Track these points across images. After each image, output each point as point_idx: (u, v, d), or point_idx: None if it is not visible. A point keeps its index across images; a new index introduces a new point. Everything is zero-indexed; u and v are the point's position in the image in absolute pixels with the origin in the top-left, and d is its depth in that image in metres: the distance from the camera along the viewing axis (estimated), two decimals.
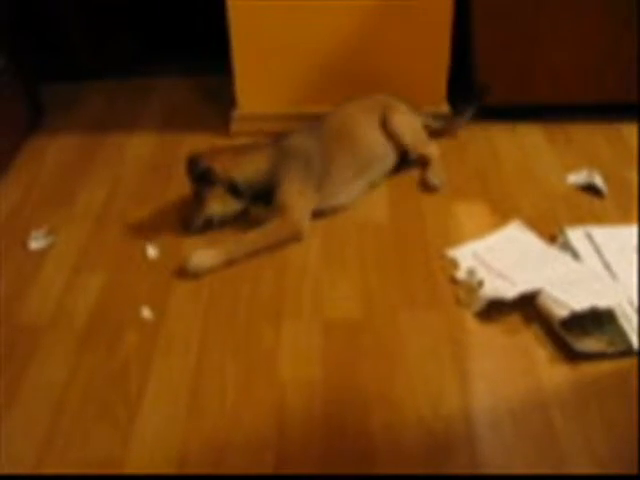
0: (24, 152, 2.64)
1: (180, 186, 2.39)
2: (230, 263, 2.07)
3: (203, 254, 2.06)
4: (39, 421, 1.64)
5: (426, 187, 2.35)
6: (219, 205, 2.20)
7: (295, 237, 2.16)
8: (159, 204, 2.33)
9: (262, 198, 2.21)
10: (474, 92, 2.62)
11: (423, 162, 2.45)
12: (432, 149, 2.47)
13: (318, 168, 2.24)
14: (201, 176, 2.17)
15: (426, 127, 2.53)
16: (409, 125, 2.45)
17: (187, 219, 2.21)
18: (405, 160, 2.45)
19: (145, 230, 2.22)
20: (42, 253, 2.15)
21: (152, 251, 2.12)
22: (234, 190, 2.19)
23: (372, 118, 2.41)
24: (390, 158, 2.41)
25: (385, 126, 2.40)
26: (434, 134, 2.56)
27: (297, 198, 2.18)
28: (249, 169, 2.20)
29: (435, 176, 2.37)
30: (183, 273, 2.05)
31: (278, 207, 2.17)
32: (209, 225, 2.21)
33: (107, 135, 2.73)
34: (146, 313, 1.91)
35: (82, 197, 2.39)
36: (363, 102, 2.45)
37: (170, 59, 3.18)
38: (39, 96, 2.86)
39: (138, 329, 1.87)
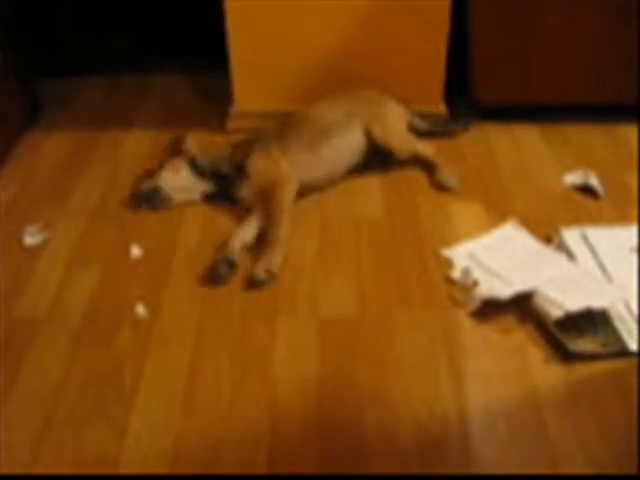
0: (20, 147, 2.63)
1: None
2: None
3: (269, 263, 2.01)
4: (34, 417, 1.64)
5: (442, 189, 2.34)
6: (170, 176, 2.28)
7: (290, 185, 2.21)
8: None
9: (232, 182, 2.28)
10: (466, 114, 2.64)
11: (421, 163, 2.44)
12: (428, 151, 2.46)
13: (275, 142, 2.29)
14: (172, 144, 2.32)
15: (412, 127, 2.53)
16: (392, 131, 2.43)
17: (136, 188, 2.31)
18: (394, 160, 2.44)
19: (140, 227, 2.22)
20: (37, 249, 2.14)
21: (136, 250, 2.12)
22: (193, 165, 2.28)
23: (337, 103, 2.42)
24: (353, 135, 2.38)
25: (369, 133, 2.39)
26: (429, 135, 2.56)
27: (266, 160, 2.25)
28: (213, 152, 2.34)
29: (449, 177, 2.36)
30: (252, 285, 1.99)
31: (251, 174, 2.25)
32: (162, 201, 2.26)
33: (103, 131, 2.72)
34: (141, 310, 1.91)
35: (78, 193, 2.38)
36: (338, 95, 2.47)
37: (168, 56, 3.17)
38: (36, 92, 2.86)
39: (133, 326, 1.87)
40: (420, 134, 2.54)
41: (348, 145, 2.38)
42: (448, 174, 2.37)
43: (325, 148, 2.33)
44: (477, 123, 2.64)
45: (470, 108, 2.65)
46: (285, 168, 2.25)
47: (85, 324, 1.88)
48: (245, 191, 2.26)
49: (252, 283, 1.99)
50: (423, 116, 2.58)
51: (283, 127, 2.35)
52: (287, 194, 2.20)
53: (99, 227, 2.23)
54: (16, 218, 2.26)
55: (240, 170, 2.27)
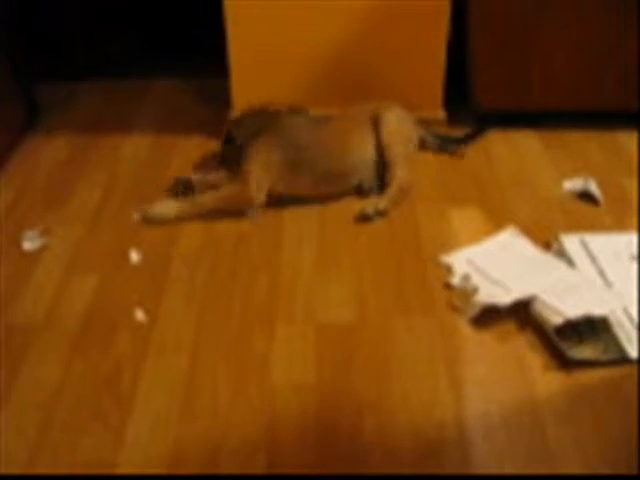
0: (19, 152, 2.63)
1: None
2: (181, 219, 2.24)
3: (162, 204, 2.26)
4: (31, 422, 1.63)
5: (360, 216, 2.25)
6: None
7: (245, 204, 2.25)
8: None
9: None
10: (473, 130, 2.62)
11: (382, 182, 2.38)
12: (404, 173, 2.35)
13: (292, 156, 2.28)
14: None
15: (424, 144, 2.53)
16: (401, 154, 2.39)
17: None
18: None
19: (139, 232, 2.21)
20: (36, 254, 2.14)
21: (135, 256, 2.12)
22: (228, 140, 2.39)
23: (366, 139, 2.39)
24: (356, 178, 2.37)
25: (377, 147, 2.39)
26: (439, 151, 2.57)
27: (259, 167, 2.26)
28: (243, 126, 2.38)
29: (377, 204, 2.26)
30: (144, 218, 2.24)
31: (240, 171, 2.28)
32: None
33: (102, 136, 2.72)
34: (139, 315, 1.91)
35: (77, 198, 2.38)
36: (363, 114, 2.43)
37: (167, 60, 3.17)
38: (35, 96, 2.86)
39: (131, 331, 1.87)
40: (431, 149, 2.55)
41: (345, 186, 2.38)
42: (379, 201, 2.27)
43: (339, 183, 2.35)
44: (484, 137, 2.63)
45: (477, 122, 2.64)
46: (266, 187, 2.27)
47: (83, 329, 1.88)
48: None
49: None
50: (436, 135, 2.56)
51: (296, 152, 2.29)
52: (239, 203, 2.26)
53: (98, 232, 2.22)
54: (15, 223, 2.26)
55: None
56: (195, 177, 2.39)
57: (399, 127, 2.42)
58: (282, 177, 2.28)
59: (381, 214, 2.23)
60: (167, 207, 2.26)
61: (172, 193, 2.35)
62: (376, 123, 2.40)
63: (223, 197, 2.27)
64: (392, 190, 2.29)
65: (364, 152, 2.38)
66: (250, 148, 2.29)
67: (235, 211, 2.26)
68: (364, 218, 2.23)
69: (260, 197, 2.26)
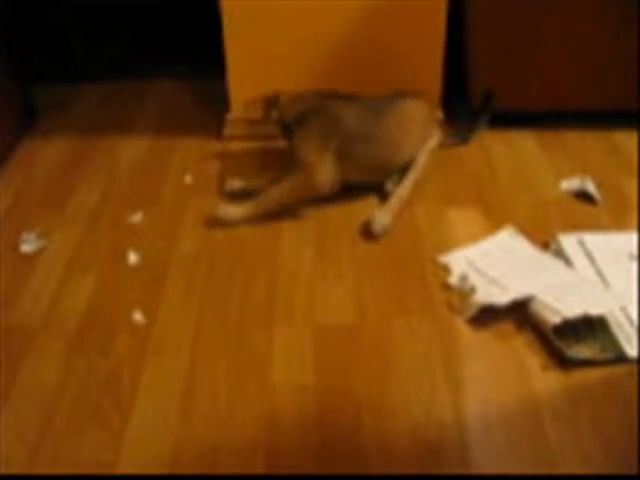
0: (17, 154, 2.63)
1: (173, 189, 2.40)
2: (252, 219, 2.22)
3: (229, 207, 2.23)
4: (30, 424, 1.63)
5: (366, 231, 2.20)
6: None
7: (312, 193, 2.25)
8: (152, 208, 2.32)
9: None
10: (481, 101, 2.60)
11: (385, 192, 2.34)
12: (410, 184, 2.34)
13: (340, 142, 2.25)
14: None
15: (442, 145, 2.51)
16: (422, 165, 2.38)
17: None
18: None
19: (137, 234, 2.21)
20: (34, 256, 2.14)
21: (133, 257, 2.12)
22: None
23: (415, 137, 2.38)
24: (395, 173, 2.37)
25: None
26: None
27: (316, 154, 2.23)
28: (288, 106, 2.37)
29: (381, 218, 2.20)
30: (212, 221, 2.23)
31: (297, 163, 2.25)
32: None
33: (101, 138, 2.72)
34: (138, 316, 1.91)
35: (74, 200, 2.38)
36: (420, 111, 2.41)
37: (165, 62, 3.17)
38: (33, 98, 2.85)
39: (130, 332, 1.87)
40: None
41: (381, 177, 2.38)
42: (382, 215, 2.23)
43: (380, 175, 2.36)
44: (489, 112, 2.61)
45: (478, 113, 2.63)
46: (329, 170, 2.24)
47: (82, 331, 1.88)
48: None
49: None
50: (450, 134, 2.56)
51: (344, 139, 2.25)
52: (307, 195, 2.25)
53: (96, 234, 2.22)
54: (13, 225, 2.26)
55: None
56: (247, 184, 2.37)
57: (436, 142, 2.42)
58: (336, 161, 2.26)
59: (386, 231, 2.19)
60: (234, 210, 2.23)
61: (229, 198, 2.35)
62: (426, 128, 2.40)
63: (289, 190, 2.24)
64: (394, 203, 2.25)
65: (409, 150, 2.36)
66: (300, 133, 2.28)
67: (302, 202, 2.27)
68: (370, 235, 2.18)
69: (327, 184, 2.25)
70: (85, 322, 1.90)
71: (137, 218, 2.27)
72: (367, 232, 2.18)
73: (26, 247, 2.16)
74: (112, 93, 3.04)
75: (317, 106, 2.31)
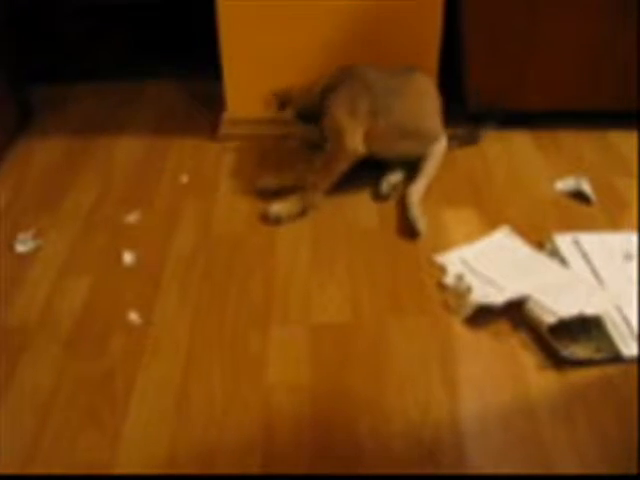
0: (12, 154, 2.62)
1: (169, 189, 2.40)
2: (305, 210, 2.25)
3: (280, 203, 2.24)
4: (25, 425, 1.63)
5: (411, 233, 2.19)
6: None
7: (347, 159, 2.26)
8: (147, 208, 2.32)
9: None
10: (488, 115, 2.62)
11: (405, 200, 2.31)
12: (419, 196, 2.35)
13: (371, 103, 2.26)
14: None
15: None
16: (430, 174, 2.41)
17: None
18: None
19: (133, 234, 2.21)
20: (29, 256, 2.13)
21: (129, 257, 2.11)
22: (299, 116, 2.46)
23: (435, 108, 2.41)
24: (423, 145, 2.39)
25: None
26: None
27: (346, 118, 2.25)
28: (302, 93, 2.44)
29: (419, 218, 2.22)
30: (265, 219, 2.24)
31: (329, 134, 2.27)
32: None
33: (96, 138, 2.72)
34: (133, 317, 1.91)
35: (70, 200, 2.38)
36: (433, 87, 2.44)
37: (161, 63, 3.17)
38: (28, 97, 2.85)
39: (125, 333, 1.87)
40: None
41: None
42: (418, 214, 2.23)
43: (410, 142, 2.36)
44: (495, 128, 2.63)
45: (491, 114, 2.64)
46: (361, 134, 2.25)
47: (77, 332, 1.87)
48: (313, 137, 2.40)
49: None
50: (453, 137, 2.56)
51: (373, 99, 2.27)
52: (345, 165, 2.26)
53: (91, 234, 2.22)
54: (8, 225, 2.26)
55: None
56: (280, 181, 2.38)
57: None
58: (365, 125, 2.26)
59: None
60: (286, 204, 2.24)
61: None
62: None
63: (327, 163, 2.26)
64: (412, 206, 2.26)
65: (432, 117, 2.38)
66: (330, 101, 2.29)
67: (344, 173, 2.27)
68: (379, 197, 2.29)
69: (358, 146, 2.25)
70: (80, 322, 1.90)
71: (133, 218, 2.27)
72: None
73: (21, 247, 2.16)
74: (108, 93, 3.04)
75: (339, 77, 2.33)
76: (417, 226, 2.17)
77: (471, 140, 2.60)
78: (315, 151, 2.42)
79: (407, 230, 2.20)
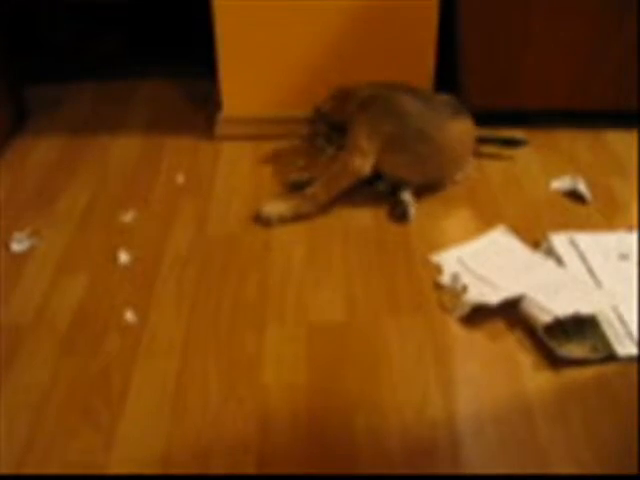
0: (7, 154, 2.62)
1: (164, 188, 2.39)
2: (299, 217, 2.23)
3: (275, 204, 2.24)
4: (20, 424, 1.63)
5: (400, 216, 2.25)
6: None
7: (352, 176, 2.24)
8: (143, 207, 2.32)
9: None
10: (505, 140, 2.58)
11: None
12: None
13: (397, 130, 2.23)
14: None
15: None
16: None
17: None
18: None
19: (128, 233, 2.21)
20: (24, 255, 2.13)
21: (124, 256, 2.11)
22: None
23: (465, 158, 2.40)
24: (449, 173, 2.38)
25: None
26: None
27: (363, 138, 2.24)
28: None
29: (410, 202, 2.27)
30: (257, 219, 2.24)
31: (346, 147, 2.27)
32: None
33: (91, 137, 2.71)
34: (129, 316, 1.90)
35: (65, 199, 2.37)
36: (471, 137, 2.39)
37: (156, 61, 3.17)
38: (23, 97, 2.85)
39: (121, 332, 1.86)
40: None
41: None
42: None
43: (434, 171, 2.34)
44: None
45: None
46: (372, 159, 2.24)
47: (72, 330, 1.87)
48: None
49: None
50: None
51: (401, 127, 2.23)
52: (350, 183, 2.25)
53: (87, 233, 2.22)
54: (3, 225, 2.25)
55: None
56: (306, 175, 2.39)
57: None
58: (383, 150, 2.24)
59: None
60: (280, 206, 2.23)
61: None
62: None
63: (330, 178, 2.24)
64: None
65: (457, 167, 2.36)
66: (358, 118, 2.28)
67: (350, 189, 2.26)
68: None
69: (365, 167, 2.23)
70: (76, 321, 1.90)
71: (128, 217, 2.27)
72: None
73: (17, 246, 2.16)
74: (103, 92, 3.03)
75: (377, 95, 2.30)
76: (407, 210, 2.19)
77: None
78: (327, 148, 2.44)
79: (396, 214, 2.23)
